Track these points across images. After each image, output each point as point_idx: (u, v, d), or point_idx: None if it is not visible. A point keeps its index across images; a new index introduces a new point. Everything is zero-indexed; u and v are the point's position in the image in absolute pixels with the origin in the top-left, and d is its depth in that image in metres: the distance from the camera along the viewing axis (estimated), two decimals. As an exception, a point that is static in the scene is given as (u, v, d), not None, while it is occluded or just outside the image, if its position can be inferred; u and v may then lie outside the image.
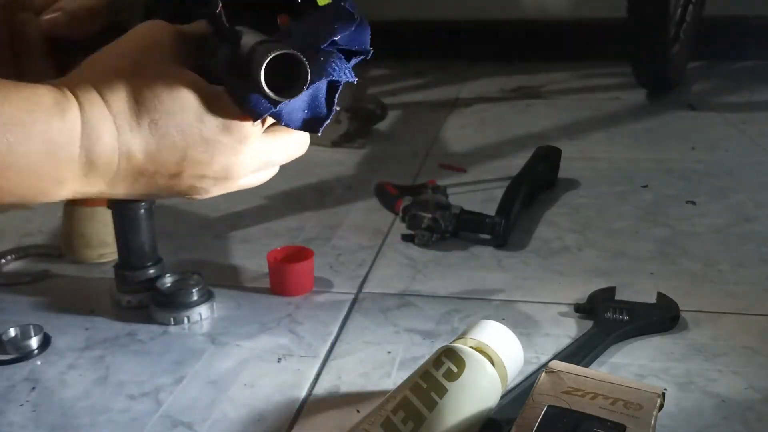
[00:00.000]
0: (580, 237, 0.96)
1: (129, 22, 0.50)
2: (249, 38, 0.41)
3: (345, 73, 0.42)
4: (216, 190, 0.45)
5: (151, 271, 0.79)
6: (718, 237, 0.95)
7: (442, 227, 0.93)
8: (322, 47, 0.42)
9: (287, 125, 0.43)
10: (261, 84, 0.39)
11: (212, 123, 0.42)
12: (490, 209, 0.97)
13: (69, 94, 0.39)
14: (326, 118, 0.43)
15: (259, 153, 0.45)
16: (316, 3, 0.45)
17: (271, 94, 0.39)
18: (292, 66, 0.39)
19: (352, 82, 0.42)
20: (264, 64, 0.38)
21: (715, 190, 1.12)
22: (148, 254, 0.80)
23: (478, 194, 1.13)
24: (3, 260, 0.92)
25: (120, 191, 0.43)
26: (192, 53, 0.44)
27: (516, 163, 1.15)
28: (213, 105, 0.42)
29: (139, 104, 0.41)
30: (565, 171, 1.18)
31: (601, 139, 1.45)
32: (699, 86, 1.89)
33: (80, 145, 0.39)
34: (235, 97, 0.42)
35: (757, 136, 1.42)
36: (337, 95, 0.43)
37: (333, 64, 0.41)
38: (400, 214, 0.97)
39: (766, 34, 2.15)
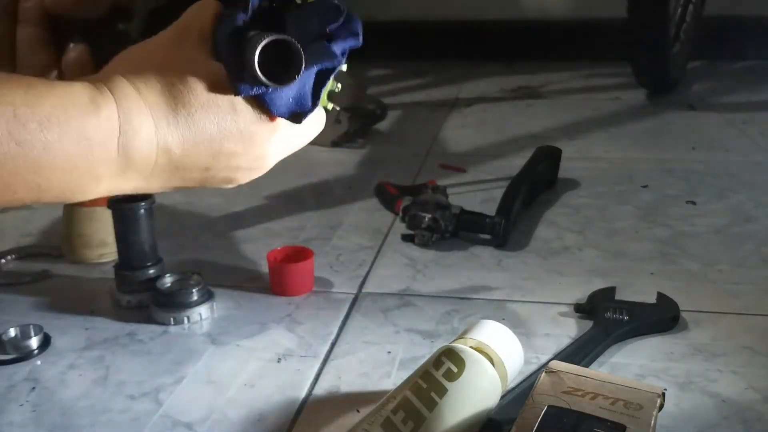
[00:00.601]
0: (580, 237, 0.96)
1: (132, 3, 0.49)
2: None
3: (336, 60, 0.42)
4: (247, 178, 0.45)
5: (151, 271, 0.79)
6: (718, 237, 0.95)
7: (442, 227, 0.93)
8: (313, 43, 0.42)
9: (273, 113, 0.43)
10: (254, 68, 0.39)
11: (246, 114, 0.42)
12: (490, 209, 0.97)
13: (104, 89, 0.39)
14: (310, 111, 0.43)
15: (287, 139, 0.45)
16: None
17: (262, 78, 0.39)
18: (286, 54, 0.40)
19: (349, 79, 0.43)
20: (259, 48, 0.39)
21: (715, 190, 1.12)
22: (148, 254, 0.80)
23: (478, 194, 1.13)
24: (3, 260, 0.92)
25: (155, 185, 0.42)
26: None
27: (516, 163, 1.15)
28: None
29: (174, 98, 0.40)
30: (565, 171, 1.18)
31: (601, 139, 1.45)
32: (699, 86, 1.89)
33: (117, 141, 0.38)
34: (228, 75, 0.42)
35: (757, 136, 1.42)
36: (324, 88, 0.43)
37: (325, 55, 0.42)
38: (400, 214, 0.97)
39: (766, 34, 2.15)
